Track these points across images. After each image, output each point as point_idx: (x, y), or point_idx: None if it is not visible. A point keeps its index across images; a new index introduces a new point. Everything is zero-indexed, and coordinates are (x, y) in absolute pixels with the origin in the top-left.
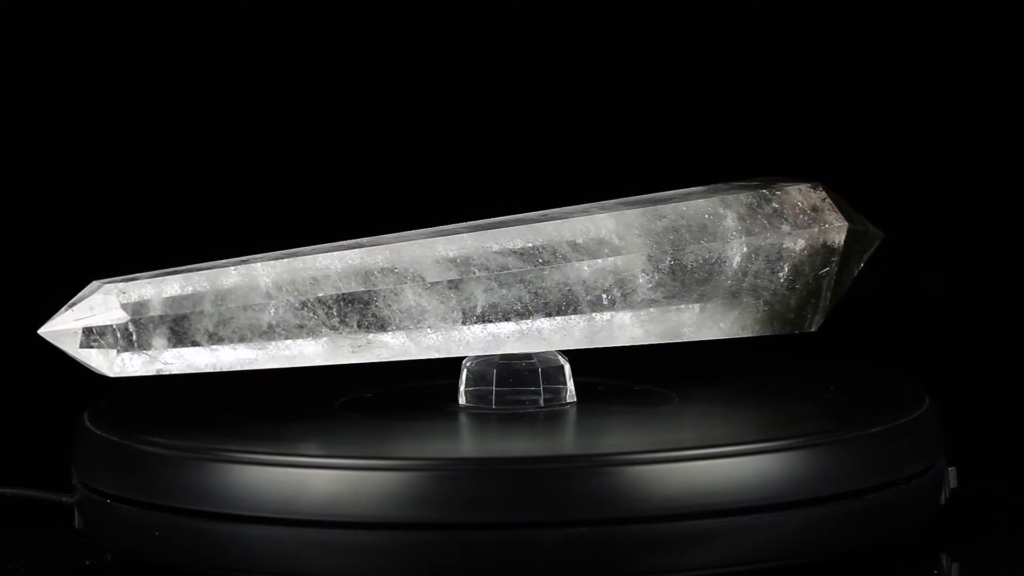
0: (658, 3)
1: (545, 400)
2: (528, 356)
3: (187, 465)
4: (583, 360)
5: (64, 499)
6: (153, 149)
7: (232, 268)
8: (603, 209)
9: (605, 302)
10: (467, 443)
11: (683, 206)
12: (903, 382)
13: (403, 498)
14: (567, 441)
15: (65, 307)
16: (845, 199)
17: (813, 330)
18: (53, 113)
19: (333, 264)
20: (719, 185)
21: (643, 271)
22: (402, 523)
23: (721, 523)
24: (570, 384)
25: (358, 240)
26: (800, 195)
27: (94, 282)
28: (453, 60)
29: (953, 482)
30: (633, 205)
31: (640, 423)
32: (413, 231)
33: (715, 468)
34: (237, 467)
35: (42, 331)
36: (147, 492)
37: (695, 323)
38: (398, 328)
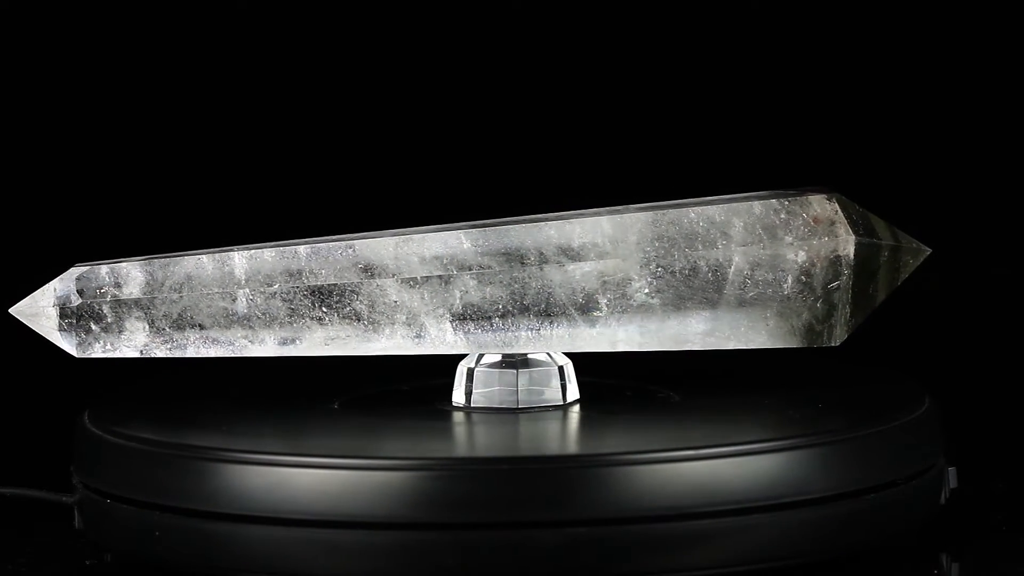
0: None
1: (546, 400)
2: (528, 356)
3: (187, 465)
4: (584, 360)
5: (64, 499)
6: (164, 147)
7: (206, 256)
8: (606, 213)
9: (602, 306)
10: (467, 443)
11: (690, 212)
12: (903, 382)
13: (403, 498)
14: (567, 441)
15: (40, 289)
16: (875, 213)
17: (834, 344)
18: (62, 108)
19: (310, 256)
20: (746, 195)
21: (637, 276)
22: (402, 523)
23: (721, 523)
24: (571, 384)
25: (341, 236)
26: (811, 206)
27: (74, 265)
28: (470, 61)
29: (953, 482)
30: (643, 211)
31: (641, 423)
32: (400, 229)
33: (715, 468)
34: (237, 467)
35: (12, 310)
36: (147, 492)
37: (705, 332)
38: (376, 323)
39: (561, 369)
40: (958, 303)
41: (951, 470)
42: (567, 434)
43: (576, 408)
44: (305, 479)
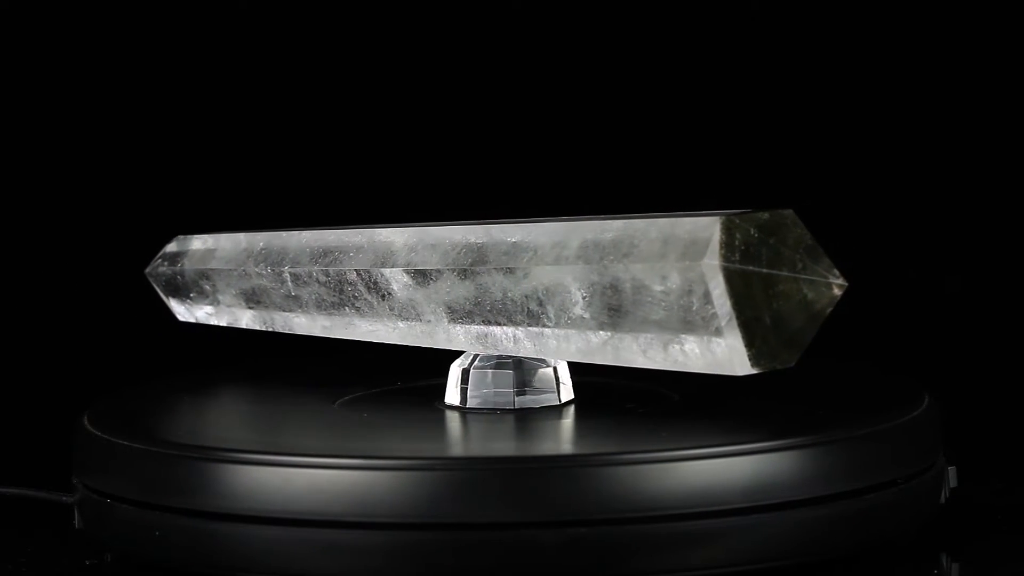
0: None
1: (542, 400)
2: (522, 356)
3: (187, 465)
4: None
5: (64, 499)
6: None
7: (260, 235)
8: (552, 221)
9: (551, 315)
10: (466, 443)
11: (627, 226)
12: (902, 382)
13: (403, 498)
14: (566, 441)
15: (156, 256)
16: (811, 238)
17: (743, 375)
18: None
19: (317, 243)
20: (678, 213)
21: (575, 289)
22: (402, 523)
23: (721, 523)
24: (566, 384)
25: (349, 225)
26: (693, 227)
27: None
28: (473, 64)
29: (953, 482)
30: (581, 221)
31: (640, 423)
32: (397, 224)
33: (715, 468)
34: (237, 467)
35: (147, 271)
36: (147, 492)
37: (637, 351)
38: (361, 311)
39: (555, 370)
40: (957, 303)
41: (951, 470)
42: (566, 434)
43: (574, 408)
44: (305, 479)
